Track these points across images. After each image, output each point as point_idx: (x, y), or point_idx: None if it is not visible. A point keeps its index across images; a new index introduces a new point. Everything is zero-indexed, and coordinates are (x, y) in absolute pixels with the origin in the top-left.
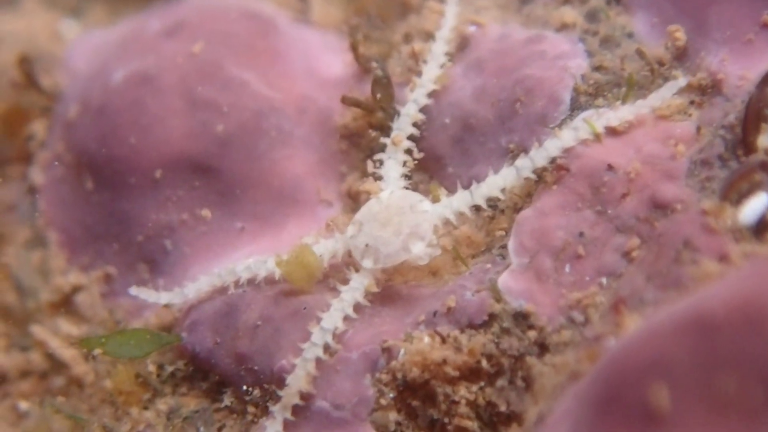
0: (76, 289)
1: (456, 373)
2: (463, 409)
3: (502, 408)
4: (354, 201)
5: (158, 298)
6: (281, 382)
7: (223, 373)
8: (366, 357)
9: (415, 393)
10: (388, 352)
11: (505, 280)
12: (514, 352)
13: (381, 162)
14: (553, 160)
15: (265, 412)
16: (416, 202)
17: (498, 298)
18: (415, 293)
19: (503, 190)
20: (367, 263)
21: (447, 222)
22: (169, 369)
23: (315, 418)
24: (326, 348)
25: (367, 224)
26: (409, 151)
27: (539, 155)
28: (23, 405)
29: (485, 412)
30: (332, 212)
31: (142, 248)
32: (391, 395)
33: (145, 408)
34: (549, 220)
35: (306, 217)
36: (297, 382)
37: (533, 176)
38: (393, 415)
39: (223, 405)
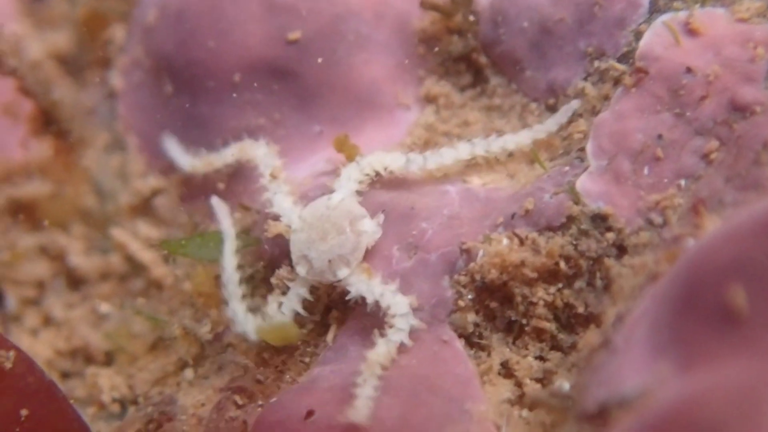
0: (156, 192)
1: (534, 275)
2: (540, 310)
3: (580, 309)
4: (431, 104)
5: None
6: None
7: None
8: (445, 258)
9: (493, 294)
10: (467, 253)
11: (583, 183)
12: (592, 253)
13: (270, 201)
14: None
15: (345, 314)
16: (326, 201)
17: (576, 200)
18: (493, 196)
19: (386, 169)
20: (343, 272)
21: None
22: (248, 271)
23: None
24: None
25: (311, 251)
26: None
27: (432, 159)
28: (103, 307)
29: (563, 314)
30: (410, 116)
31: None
32: (470, 297)
33: (225, 309)
34: (627, 123)
35: (384, 121)
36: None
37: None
38: (471, 317)
39: None
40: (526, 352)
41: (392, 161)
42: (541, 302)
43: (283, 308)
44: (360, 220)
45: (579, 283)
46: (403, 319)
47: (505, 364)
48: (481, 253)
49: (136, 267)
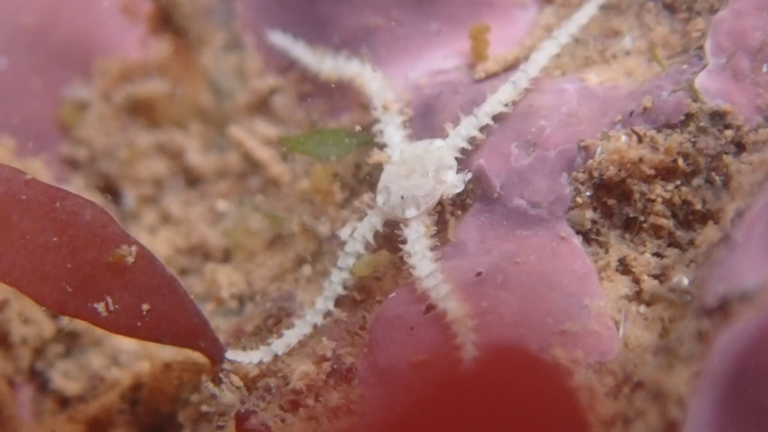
0: (273, 90)
1: (652, 172)
2: (658, 207)
3: (698, 206)
4: (549, 3)
5: (251, 358)
6: (479, 181)
7: None
8: (563, 155)
9: (611, 191)
10: (585, 150)
11: (702, 80)
12: (710, 150)
13: (381, 131)
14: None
15: (463, 211)
16: (428, 145)
17: (695, 98)
18: (611, 94)
19: (506, 105)
20: (410, 212)
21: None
22: (366, 168)
23: (512, 216)
24: None
25: (393, 184)
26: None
27: (531, 67)
28: (221, 204)
29: (681, 211)
30: (528, 15)
31: (338, 51)
32: (588, 193)
33: (342, 207)
34: (746, 21)
35: (502, 20)
36: None
37: (530, 85)
38: (589, 213)
39: None
40: (644, 248)
41: (503, 95)
42: (659, 199)
43: (356, 234)
44: (446, 170)
45: (697, 180)
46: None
47: (622, 261)
48: (599, 150)
49: (253, 165)
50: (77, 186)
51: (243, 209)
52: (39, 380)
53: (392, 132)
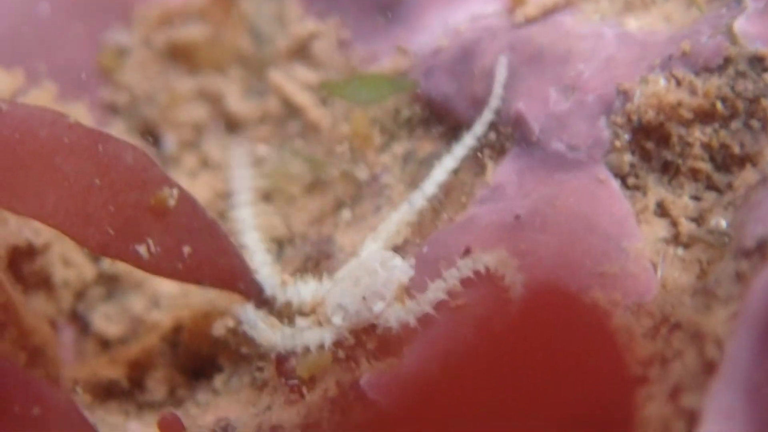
0: (313, 36)
1: (691, 115)
2: (697, 150)
3: (736, 150)
4: None
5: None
6: (517, 125)
7: (458, 116)
8: (602, 99)
9: (649, 135)
10: (624, 94)
11: (741, 24)
12: (749, 94)
13: (297, 294)
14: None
15: (502, 154)
16: (355, 261)
17: (734, 42)
18: (650, 38)
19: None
20: (379, 306)
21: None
22: (405, 114)
23: (550, 160)
24: None
25: (345, 299)
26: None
27: (429, 186)
28: (261, 149)
29: (719, 154)
30: None
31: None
32: (626, 137)
33: (381, 151)
34: None
35: None
36: None
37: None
38: (627, 157)
39: None
40: (682, 191)
41: (399, 216)
42: (698, 143)
43: (310, 338)
44: (390, 260)
45: (735, 124)
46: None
47: (660, 204)
48: (638, 93)
49: (293, 110)
50: (118, 131)
51: (282, 154)
52: (80, 323)
53: (306, 285)
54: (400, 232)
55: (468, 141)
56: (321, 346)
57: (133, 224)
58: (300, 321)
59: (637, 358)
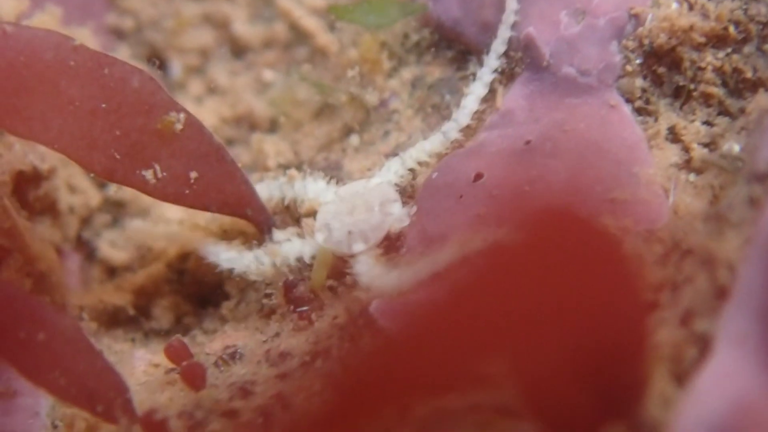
0: None
1: (703, 40)
2: (709, 75)
3: (749, 74)
4: None
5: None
6: (528, 49)
7: (468, 41)
8: (613, 23)
9: (661, 59)
10: (636, 18)
11: None
12: (762, 18)
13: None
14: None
15: (511, 79)
16: (365, 183)
17: None
18: None
19: (430, 156)
20: (358, 247)
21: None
22: (414, 38)
23: (561, 85)
24: None
25: (335, 221)
26: None
27: (462, 115)
28: (268, 74)
29: (731, 79)
30: None
31: None
32: (638, 61)
33: (390, 76)
34: None
35: None
36: None
37: (461, 137)
38: (639, 82)
39: (468, 72)
40: (694, 117)
41: (431, 145)
42: (710, 67)
43: (286, 249)
44: (391, 203)
45: (748, 48)
46: None
47: (672, 129)
48: (650, 17)
49: (300, 34)
50: (123, 56)
51: (290, 79)
52: (86, 249)
53: (315, 183)
54: (429, 164)
55: (493, 63)
56: (299, 259)
57: (140, 149)
58: (278, 234)
59: (648, 284)
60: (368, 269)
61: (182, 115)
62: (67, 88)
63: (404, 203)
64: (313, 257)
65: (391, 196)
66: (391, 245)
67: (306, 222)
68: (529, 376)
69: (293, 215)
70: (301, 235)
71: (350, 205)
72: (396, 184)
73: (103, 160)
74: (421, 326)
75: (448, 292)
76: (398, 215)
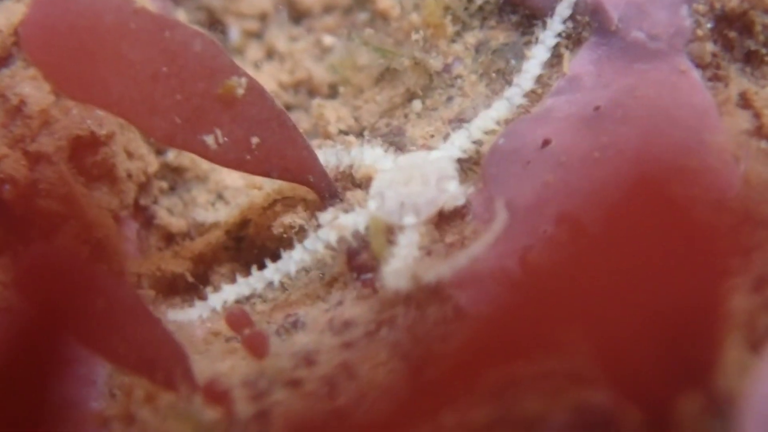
0: None
1: None
2: None
3: None
4: None
5: (189, 315)
6: (595, 14)
7: (533, 5)
8: None
9: (732, 24)
10: None
11: None
12: None
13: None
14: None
15: (578, 44)
16: (425, 155)
17: None
18: None
19: (498, 123)
20: (409, 220)
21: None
22: (478, 1)
23: (630, 50)
24: None
25: (389, 190)
26: None
27: (524, 80)
28: (328, 39)
29: None
30: None
31: None
32: (709, 26)
33: (453, 41)
34: None
35: None
36: None
37: (526, 102)
38: (709, 46)
39: (533, 37)
40: (765, 82)
41: (496, 113)
42: None
43: (335, 222)
44: (449, 180)
45: None
46: None
47: (743, 95)
48: None
49: None
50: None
51: (351, 44)
52: (144, 215)
53: (372, 150)
54: (495, 132)
55: (557, 26)
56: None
57: (201, 113)
58: (323, 216)
59: (720, 251)
60: (409, 244)
61: (244, 80)
62: (128, 51)
63: (462, 182)
64: (368, 227)
65: (449, 173)
66: (456, 212)
67: (352, 195)
68: (605, 343)
69: (352, 182)
70: (348, 210)
71: (407, 176)
72: (458, 159)
73: (164, 125)
74: (495, 294)
75: (517, 263)
76: (454, 193)
